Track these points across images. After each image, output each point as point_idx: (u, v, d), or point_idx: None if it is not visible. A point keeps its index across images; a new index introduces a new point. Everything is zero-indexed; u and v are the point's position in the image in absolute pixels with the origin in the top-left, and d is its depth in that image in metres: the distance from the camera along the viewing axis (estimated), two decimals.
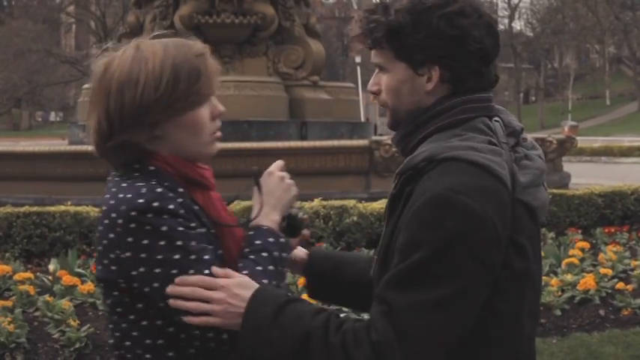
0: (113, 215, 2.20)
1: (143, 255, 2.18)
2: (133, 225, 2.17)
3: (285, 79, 16.74)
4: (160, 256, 2.17)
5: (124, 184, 2.25)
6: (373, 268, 2.34)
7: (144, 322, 2.28)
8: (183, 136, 2.29)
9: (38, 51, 59.95)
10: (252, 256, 2.29)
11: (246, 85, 16.05)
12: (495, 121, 2.26)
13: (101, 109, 2.25)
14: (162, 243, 2.16)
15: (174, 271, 2.17)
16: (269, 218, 2.38)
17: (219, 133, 2.38)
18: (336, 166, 12.86)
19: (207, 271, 2.18)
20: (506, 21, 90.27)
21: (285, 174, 2.48)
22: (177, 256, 2.17)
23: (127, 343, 2.31)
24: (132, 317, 2.29)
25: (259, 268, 2.26)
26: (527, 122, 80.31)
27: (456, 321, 2.08)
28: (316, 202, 10.20)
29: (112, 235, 2.21)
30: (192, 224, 2.22)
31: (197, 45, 2.31)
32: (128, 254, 2.19)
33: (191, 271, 2.16)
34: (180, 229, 2.17)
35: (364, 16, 2.29)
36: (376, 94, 2.33)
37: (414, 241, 2.07)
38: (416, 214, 2.08)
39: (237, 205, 8.90)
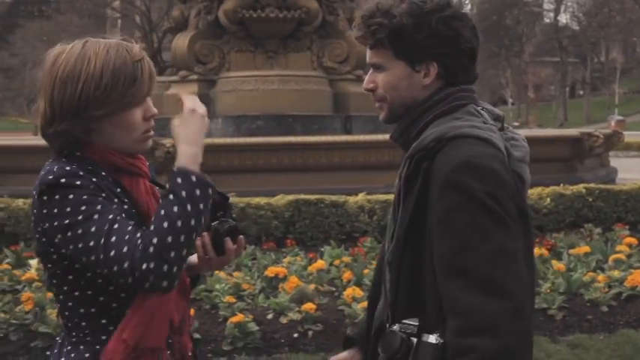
0: (33, 192, 2.47)
1: (56, 223, 2.41)
2: (45, 197, 2.42)
3: (329, 74, 16.73)
4: (67, 221, 2.39)
5: (47, 166, 2.49)
6: (389, 251, 2.51)
7: (76, 293, 2.51)
8: (116, 132, 2.52)
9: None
10: (160, 201, 2.47)
11: (290, 79, 16.08)
12: (481, 109, 2.55)
13: (46, 97, 2.48)
14: (68, 209, 2.38)
15: (79, 231, 2.38)
16: (185, 155, 2.46)
17: (151, 133, 2.60)
18: (380, 161, 12.80)
19: (106, 226, 2.35)
20: (552, 14, 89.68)
21: (194, 106, 2.55)
22: (80, 217, 2.38)
23: (66, 313, 2.55)
24: (65, 288, 2.52)
25: (162, 211, 2.36)
26: (574, 117, 79.73)
27: (515, 264, 2.30)
28: (360, 197, 10.20)
29: (35, 210, 2.48)
30: (100, 197, 2.41)
31: (135, 49, 2.52)
32: (47, 225, 2.44)
33: (92, 229, 2.35)
34: (85, 197, 2.39)
35: (364, 19, 2.55)
36: (372, 91, 2.59)
37: (453, 208, 2.31)
38: (446, 184, 2.32)
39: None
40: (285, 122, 15.60)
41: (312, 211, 10.16)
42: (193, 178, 2.40)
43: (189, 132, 2.50)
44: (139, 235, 2.35)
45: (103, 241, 2.35)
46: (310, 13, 16.29)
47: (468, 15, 2.59)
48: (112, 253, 2.33)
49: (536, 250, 8.77)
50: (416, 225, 2.39)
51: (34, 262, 8.40)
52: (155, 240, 2.32)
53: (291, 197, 10.32)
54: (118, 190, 2.52)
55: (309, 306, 7.07)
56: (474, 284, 2.25)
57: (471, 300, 2.25)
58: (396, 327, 2.43)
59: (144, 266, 2.31)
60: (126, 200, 2.52)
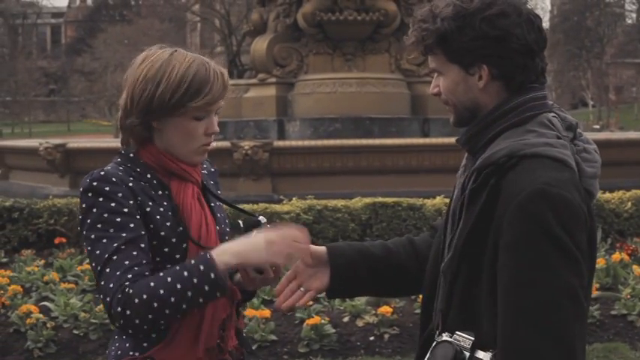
0: None
1: (80, 227, 2.63)
2: (80, 200, 2.62)
3: (407, 76, 16.68)
4: (84, 232, 2.59)
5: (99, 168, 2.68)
6: (445, 263, 2.45)
7: None
8: (175, 138, 2.68)
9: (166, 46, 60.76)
10: (177, 267, 2.54)
11: (368, 81, 16.07)
12: (553, 116, 2.44)
13: (128, 92, 2.67)
14: (88, 221, 2.58)
15: (89, 248, 2.57)
16: (222, 257, 2.53)
17: (208, 147, 2.74)
18: (458, 163, 12.49)
19: (106, 255, 2.51)
20: (634, 15, 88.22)
21: (280, 243, 2.57)
22: (92, 236, 2.56)
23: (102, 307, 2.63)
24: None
25: (168, 278, 2.49)
26: None
27: (578, 306, 2.25)
28: (438, 200, 10.16)
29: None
30: (125, 209, 2.56)
31: (215, 68, 2.68)
32: (80, 222, 2.64)
33: (97, 252, 2.53)
34: (106, 215, 2.55)
35: (416, 24, 2.49)
36: (437, 95, 2.53)
37: (524, 237, 2.24)
38: (519, 211, 2.25)
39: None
40: (362, 125, 15.60)
41: (390, 214, 10.14)
42: (212, 275, 2.49)
43: (249, 250, 2.56)
44: (129, 276, 2.49)
45: (100, 268, 2.53)
46: (388, 15, 16.27)
47: (522, 8, 2.42)
48: (103, 282, 2.52)
49: (617, 255, 8.64)
50: (475, 239, 2.35)
51: None
52: (144, 296, 2.47)
53: (368, 200, 10.31)
54: (160, 192, 2.67)
55: (385, 309, 7.06)
56: (531, 323, 2.22)
57: (525, 339, 2.22)
58: (446, 336, 2.40)
59: (119, 309, 2.47)
60: (165, 203, 2.66)
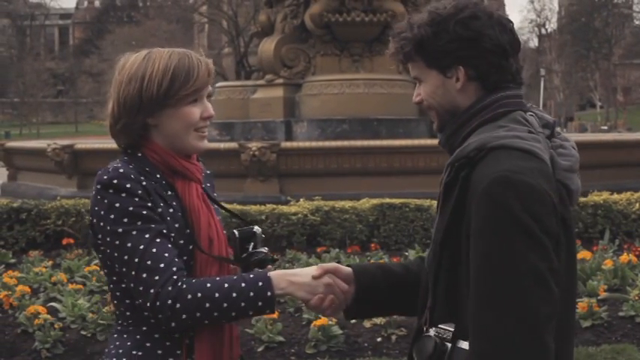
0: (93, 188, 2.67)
1: (102, 224, 2.60)
2: (98, 197, 2.61)
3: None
4: (108, 227, 2.58)
5: (108, 166, 2.66)
6: (428, 254, 2.56)
7: (123, 285, 2.64)
8: (172, 126, 2.68)
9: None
10: (234, 276, 2.62)
11: (375, 83, 16.08)
12: (530, 115, 2.52)
13: (114, 97, 2.69)
14: (112, 217, 2.57)
15: (117, 242, 2.57)
16: (279, 281, 2.61)
17: (205, 132, 2.75)
18: None
19: (141, 246, 2.53)
20: None
21: (329, 284, 2.70)
22: (120, 230, 2.56)
23: (115, 302, 2.72)
24: (114, 278, 2.67)
25: (226, 284, 2.56)
26: None
27: (545, 289, 2.28)
28: None
29: (90, 205, 2.67)
30: (148, 204, 2.59)
31: (197, 54, 2.72)
32: (96, 221, 2.63)
33: (129, 244, 2.54)
34: (131, 208, 2.56)
35: (394, 35, 2.60)
36: (420, 103, 2.62)
37: (488, 223, 2.29)
38: (482, 198, 2.30)
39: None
40: (370, 126, 15.61)
41: (397, 215, 10.14)
42: (268, 293, 2.57)
43: (302, 285, 2.66)
44: (174, 269, 2.53)
45: (137, 259, 2.53)
46: (396, 16, 16.26)
47: (492, 12, 2.52)
48: (144, 275, 2.52)
49: (625, 257, 8.63)
50: (452, 232, 2.40)
51: None
52: (199, 295, 2.52)
53: (375, 201, 10.32)
54: (169, 192, 2.69)
55: None
56: (497, 307, 2.26)
57: (492, 323, 2.26)
58: (432, 331, 2.46)
59: (169, 302, 2.50)
60: (174, 203, 2.68)
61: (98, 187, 2.61)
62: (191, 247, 2.65)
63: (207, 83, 2.71)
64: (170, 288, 2.50)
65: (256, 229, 2.78)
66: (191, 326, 2.57)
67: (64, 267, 8.85)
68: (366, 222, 10.10)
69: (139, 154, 2.71)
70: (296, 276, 2.66)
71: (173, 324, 2.53)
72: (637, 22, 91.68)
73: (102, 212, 2.59)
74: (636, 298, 7.48)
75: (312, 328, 6.84)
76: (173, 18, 68.49)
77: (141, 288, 2.53)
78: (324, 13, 16.15)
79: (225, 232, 2.78)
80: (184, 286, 2.51)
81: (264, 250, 2.78)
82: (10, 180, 18.81)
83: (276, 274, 2.61)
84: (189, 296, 2.50)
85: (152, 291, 2.50)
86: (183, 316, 2.51)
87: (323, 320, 6.83)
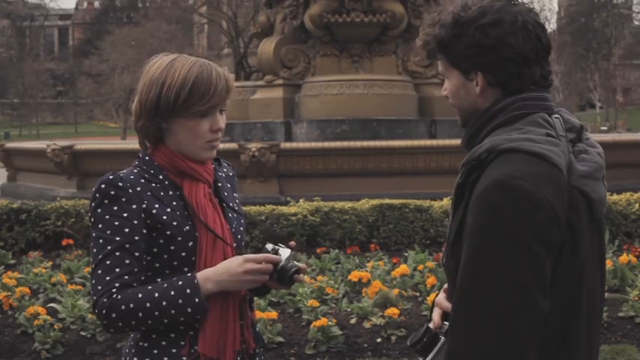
0: None
1: (90, 224, 2.81)
2: (91, 198, 2.80)
3: (414, 78, 16.71)
4: (91, 229, 2.79)
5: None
6: (443, 254, 2.56)
7: None
8: (183, 136, 2.81)
9: (172, 51, 60.57)
10: (165, 284, 2.71)
11: (375, 83, 16.09)
12: (555, 117, 2.46)
13: (138, 97, 2.83)
14: (92, 220, 2.77)
15: (91, 243, 2.77)
16: (206, 284, 2.73)
17: (215, 143, 2.87)
18: None
19: (100, 255, 2.71)
20: None
21: (253, 268, 2.77)
22: (94, 234, 2.75)
23: None
24: None
25: (156, 294, 2.69)
26: None
27: (528, 302, 2.24)
28: (445, 201, 10.15)
29: None
30: (124, 214, 2.73)
31: (217, 69, 2.81)
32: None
33: (94, 250, 2.73)
34: (107, 216, 2.73)
35: (424, 27, 2.57)
36: (448, 97, 2.60)
37: (479, 226, 2.27)
38: (477, 200, 2.30)
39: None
40: (369, 126, 15.62)
41: (397, 216, 10.14)
42: (196, 300, 2.69)
43: (229, 281, 2.75)
44: (117, 284, 2.69)
45: (93, 266, 2.74)
46: (395, 17, 16.28)
47: (518, 17, 2.44)
48: (93, 281, 2.73)
49: (624, 257, 8.63)
50: (461, 233, 2.38)
51: None
52: (131, 305, 2.67)
53: (375, 202, 10.32)
54: (173, 192, 2.82)
55: (392, 311, 7.05)
56: (474, 311, 2.26)
57: (468, 328, 2.27)
58: (444, 326, 2.52)
59: (103, 311, 2.69)
60: (174, 203, 2.80)
61: (94, 189, 2.78)
62: (190, 243, 2.77)
63: (223, 100, 2.82)
64: (105, 300, 2.68)
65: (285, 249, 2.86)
66: (130, 331, 2.80)
67: (64, 268, 8.86)
68: (366, 223, 10.10)
69: (147, 157, 2.86)
70: (222, 274, 2.74)
71: (112, 330, 2.74)
72: (636, 23, 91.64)
73: (89, 213, 2.80)
74: (636, 298, 7.48)
75: (311, 329, 6.84)
76: (173, 19, 68.36)
77: (91, 292, 2.79)
78: (324, 14, 16.15)
79: (233, 229, 2.91)
80: (119, 297, 2.68)
81: (297, 264, 2.85)
82: (9, 181, 18.79)
83: (201, 278, 2.72)
84: (123, 307, 2.67)
85: (94, 298, 2.72)
86: (120, 324, 2.70)
87: (323, 321, 6.84)
